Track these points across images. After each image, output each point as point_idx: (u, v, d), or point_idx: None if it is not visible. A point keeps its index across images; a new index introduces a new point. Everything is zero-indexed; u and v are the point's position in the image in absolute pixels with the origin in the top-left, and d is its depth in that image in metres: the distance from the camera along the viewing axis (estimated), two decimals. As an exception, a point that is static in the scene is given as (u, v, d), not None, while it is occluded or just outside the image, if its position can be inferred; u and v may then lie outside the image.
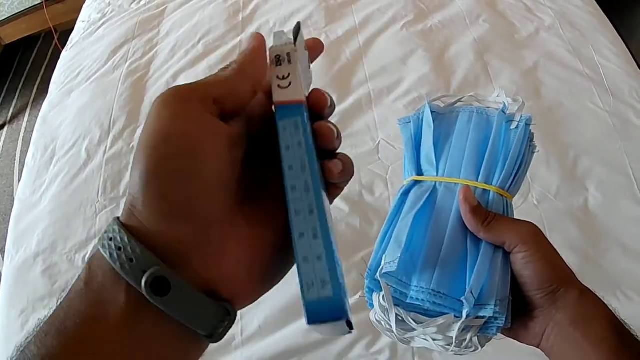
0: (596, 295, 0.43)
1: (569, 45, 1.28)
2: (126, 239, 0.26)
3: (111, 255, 0.26)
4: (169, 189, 0.27)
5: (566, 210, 0.99)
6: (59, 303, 0.27)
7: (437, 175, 0.48)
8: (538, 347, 0.43)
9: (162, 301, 0.26)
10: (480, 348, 0.42)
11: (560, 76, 1.22)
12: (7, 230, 1.29)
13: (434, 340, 0.42)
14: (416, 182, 0.48)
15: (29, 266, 1.16)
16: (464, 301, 0.40)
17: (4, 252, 1.25)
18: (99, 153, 1.33)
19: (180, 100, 0.28)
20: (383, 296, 0.41)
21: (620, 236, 0.94)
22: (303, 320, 0.92)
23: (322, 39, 1.47)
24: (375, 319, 0.45)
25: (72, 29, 1.89)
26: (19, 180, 1.44)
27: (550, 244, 0.44)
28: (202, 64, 1.50)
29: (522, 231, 0.43)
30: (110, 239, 0.26)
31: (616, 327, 0.40)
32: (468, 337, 0.41)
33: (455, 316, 0.40)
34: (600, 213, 0.98)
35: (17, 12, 2.59)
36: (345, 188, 1.12)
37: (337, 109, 1.35)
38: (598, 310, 0.41)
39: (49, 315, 0.27)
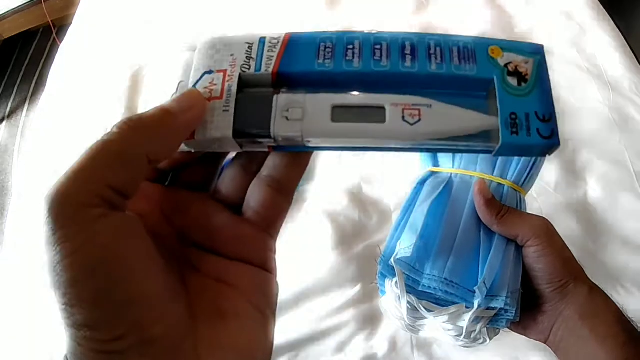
0: (604, 293, 0.44)
1: (569, 39, 1.28)
2: None
3: None
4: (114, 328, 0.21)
5: (565, 203, 0.99)
6: None
7: (453, 167, 0.48)
8: (545, 343, 0.44)
9: None
10: (488, 341, 0.43)
11: (560, 70, 1.22)
12: (4, 225, 1.28)
13: (444, 329, 0.42)
14: (432, 173, 0.49)
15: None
16: (476, 291, 0.40)
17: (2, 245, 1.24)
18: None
19: (80, 219, 0.21)
20: (396, 282, 0.41)
21: (620, 230, 0.94)
22: (300, 314, 0.92)
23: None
24: (386, 305, 0.45)
25: (71, 24, 1.88)
26: (17, 175, 1.44)
27: (561, 239, 0.45)
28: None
29: (535, 225, 0.44)
30: None
31: (624, 324, 0.41)
32: (478, 328, 0.41)
33: (466, 306, 0.41)
34: (599, 206, 0.98)
35: (15, 6, 2.58)
36: (345, 180, 1.12)
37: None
38: (606, 306, 0.42)
39: None
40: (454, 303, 0.41)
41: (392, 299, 0.43)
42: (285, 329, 0.93)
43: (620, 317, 0.42)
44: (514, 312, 0.41)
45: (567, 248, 0.45)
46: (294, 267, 1.00)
